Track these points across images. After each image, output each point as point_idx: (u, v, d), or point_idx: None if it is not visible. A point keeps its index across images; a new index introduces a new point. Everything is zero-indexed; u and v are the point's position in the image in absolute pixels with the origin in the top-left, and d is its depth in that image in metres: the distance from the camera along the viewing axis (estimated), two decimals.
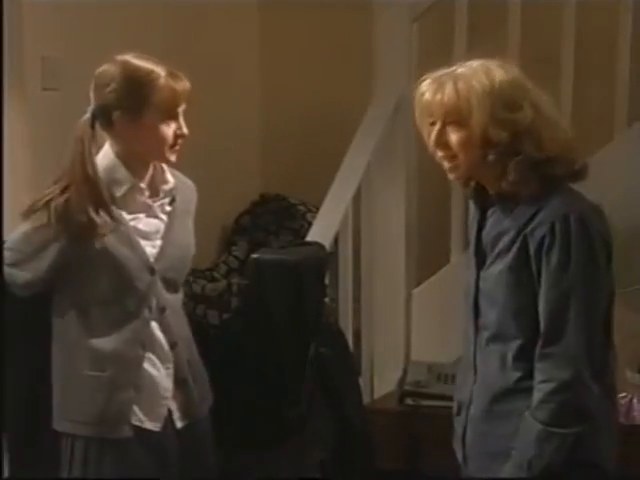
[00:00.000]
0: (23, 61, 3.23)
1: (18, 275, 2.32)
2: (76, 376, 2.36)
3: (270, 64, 4.49)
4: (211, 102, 4.11)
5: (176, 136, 2.37)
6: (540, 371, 2.05)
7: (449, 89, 2.08)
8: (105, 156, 2.38)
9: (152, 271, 2.38)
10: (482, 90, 2.06)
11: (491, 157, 2.08)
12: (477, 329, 2.18)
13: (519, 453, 2.05)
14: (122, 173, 2.36)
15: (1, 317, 2.30)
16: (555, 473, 2.04)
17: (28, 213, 2.32)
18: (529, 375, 2.08)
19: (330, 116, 4.25)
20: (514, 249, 2.08)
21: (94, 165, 2.32)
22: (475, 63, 2.11)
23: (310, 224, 3.73)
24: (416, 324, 3.77)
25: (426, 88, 2.13)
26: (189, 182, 2.57)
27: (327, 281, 2.89)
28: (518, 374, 2.09)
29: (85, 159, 2.31)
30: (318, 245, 2.95)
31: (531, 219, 2.07)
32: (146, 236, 2.40)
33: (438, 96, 2.09)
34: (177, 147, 2.38)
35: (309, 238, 3.25)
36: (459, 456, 2.25)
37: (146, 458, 2.37)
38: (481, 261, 2.17)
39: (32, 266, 2.32)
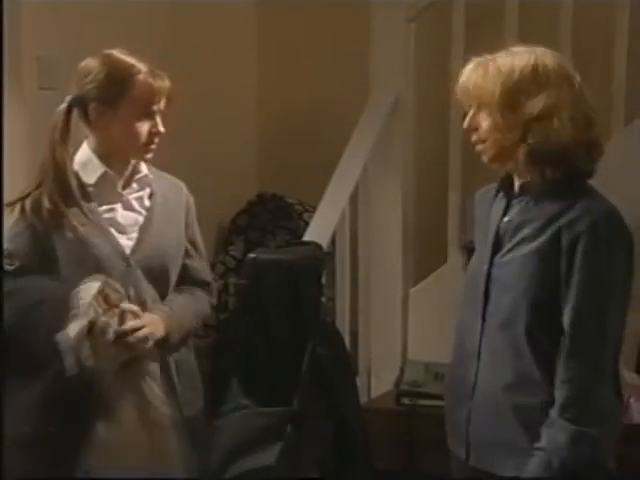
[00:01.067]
0: (20, 61, 3.23)
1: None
2: None
3: (267, 64, 4.49)
4: (208, 102, 4.11)
5: (151, 134, 2.37)
6: (565, 369, 2.04)
7: (478, 75, 2.13)
8: (82, 152, 2.40)
9: (128, 262, 2.38)
10: (502, 75, 2.10)
11: (507, 143, 2.11)
12: (484, 317, 2.16)
13: (546, 454, 2.04)
14: (94, 163, 2.37)
15: (0, 315, 2.30)
16: (584, 473, 2.04)
17: (7, 207, 2.34)
18: (542, 368, 2.08)
19: (327, 116, 4.26)
20: (543, 238, 2.08)
21: (63, 154, 2.33)
22: (517, 49, 2.15)
23: (307, 224, 3.73)
24: (413, 324, 3.78)
25: (465, 73, 2.17)
26: (178, 182, 2.57)
27: (324, 281, 2.89)
28: (531, 366, 2.08)
29: (55, 147, 2.33)
30: (315, 245, 2.95)
31: (565, 211, 2.07)
32: (122, 229, 2.40)
33: (471, 82, 2.14)
34: (153, 145, 2.39)
35: (306, 238, 3.25)
36: (459, 450, 2.23)
37: None
38: (497, 249, 2.17)
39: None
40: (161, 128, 2.38)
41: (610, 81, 3.65)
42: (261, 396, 2.60)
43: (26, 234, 2.33)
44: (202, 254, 2.63)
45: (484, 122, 2.15)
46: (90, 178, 2.38)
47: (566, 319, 2.05)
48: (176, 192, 2.55)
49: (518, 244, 2.13)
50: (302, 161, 4.31)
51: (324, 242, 3.17)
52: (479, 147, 2.18)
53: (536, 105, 2.08)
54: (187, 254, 2.55)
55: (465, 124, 2.19)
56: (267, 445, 2.53)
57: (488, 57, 2.15)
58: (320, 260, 2.89)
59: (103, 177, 2.39)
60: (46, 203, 2.31)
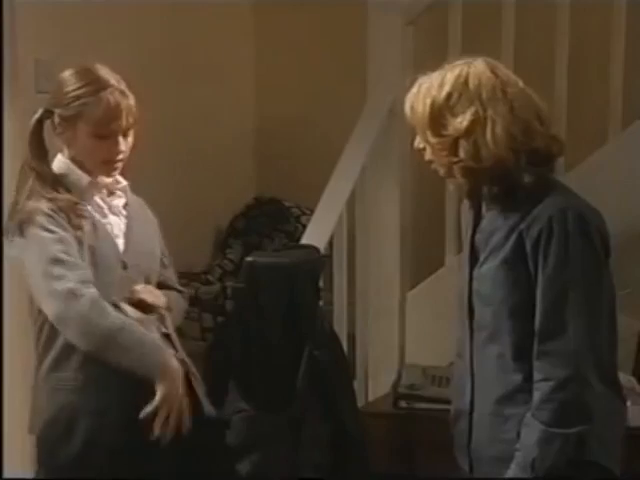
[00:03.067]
0: (17, 64, 3.23)
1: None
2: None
3: (265, 67, 4.50)
4: (205, 105, 4.12)
5: (112, 153, 2.35)
6: (538, 369, 2.04)
7: (412, 96, 2.15)
8: (58, 161, 2.41)
9: (124, 265, 2.40)
10: (430, 95, 2.10)
11: (447, 161, 2.11)
12: (472, 331, 2.16)
13: (522, 454, 2.04)
14: (76, 174, 2.38)
15: (0, 313, 2.31)
16: (559, 474, 2.03)
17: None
18: (530, 376, 2.06)
19: (325, 118, 4.26)
20: (508, 246, 2.08)
21: (41, 163, 2.35)
22: (457, 62, 2.15)
23: (304, 227, 3.74)
24: (410, 327, 3.77)
25: (408, 95, 2.18)
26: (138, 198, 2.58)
27: (321, 284, 2.89)
28: (519, 375, 2.08)
29: (31, 156, 2.36)
30: (313, 248, 2.95)
31: (525, 215, 2.07)
32: (114, 233, 2.42)
33: (408, 103, 2.16)
34: (116, 164, 2.38)
35: (304, 241, 3.25)
36: (464, 463, 2.22)
37: None
38: (474, 261, 2.17)
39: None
40: (122, 148, 2.35)
41: (607, 85, 3.65)
42: (259, 400, 2.60)
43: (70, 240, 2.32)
44: (172, 265, 2.65)
45: (422, 143, 2.16)
46: (77, 189, 2.38)
47: (536, 320, 2.05)
48: (142, 205, 2.57)
49: (489, 255, 2.13)
50: (299, 164, 4.31)
51: (322, 245, 3.17)
52: (432, 166, 2.19)
53: (464, 120, 2.06)
54: (162, 263, 2.58)
55: (414, 145, 2.19)
56: (265, 449, 2.54)
57: (426, 76, 2.15)
58: (318, 263, 2.89)
59: (90, 187, 2.40)
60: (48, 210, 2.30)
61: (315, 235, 3.28)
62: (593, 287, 2.06)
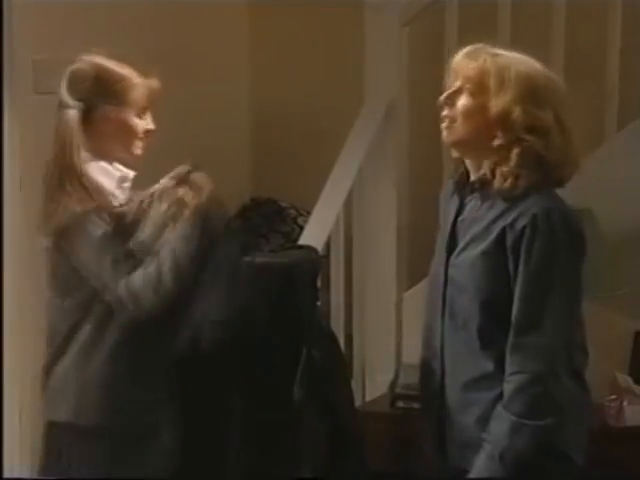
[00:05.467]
0: (14, 64, 3.23)
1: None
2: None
3: (261, 68, 4.50)
4: (200, 105, 4.12)
5: (146, 131, 2.49)
6: (512, 362, 2.07)
7: (484, 60, 2.12)
8: (85, 156, 2.44)
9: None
10: (518, 75, 2.11)
11: (499, 141, 2.11)
12: (443, 318, 2.19)
13: (491, 445, 2.07)
14: (117, 168, 2.46)
15: (0, 317, 2.33)
16: (526, 464, 2.05)
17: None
18: (498, 364, 2.09)
19: (321, 120, 4.26)
20: (490, 237, 2.10)
21: (81, 158, 2.39)
22: (518, 54, 2.16)
23: (301, 228, 3.74)
24: (407, 327, 3.78)
25: (462, 53, 2.17)
26: None
27: (319, 284, 2.89)
28: (485, 362, 2.11)
29: (72, 152, 2.39)
30: (310, 249, 2.95)
31: (508, 209, 2.10)
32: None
33: (471, 62, 2.14)
34: (144, 142, 2.50)
35: (301, 242, 3.26)
36: (434, 451, 2.25)
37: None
38: (452, 247, 2.20)
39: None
40: (150, 125, 2.51)
41: (603, 88, 3.66)
42: (256, 399, 2.60)
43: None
44: None
45: (463, 103, 2.15)
46: (110, 182, 2.44)
47: (513, 314, 2.07)
48: None
49: (468, 244, 2.16)
50: (296, 165, 4.31)
51: (319, 246, 3.18)
52: (445, 124, 2.18)
53: (547, 117, 2.10)
54: None
55: (442, 97, 2.18)
56: (262, 447, 2.54)
57: (489, 48, 2.16)
58: (315, 264, 2.89)
59: (121, 179, 2.47)
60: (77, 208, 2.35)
61: (313, 236, 3.29)
62: (572, 286, 2.10)
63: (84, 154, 2.40)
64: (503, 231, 2.09)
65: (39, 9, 3.25)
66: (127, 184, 2.49)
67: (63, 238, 2.37)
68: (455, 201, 2.25)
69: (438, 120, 3.68)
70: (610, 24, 3.66)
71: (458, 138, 2.17)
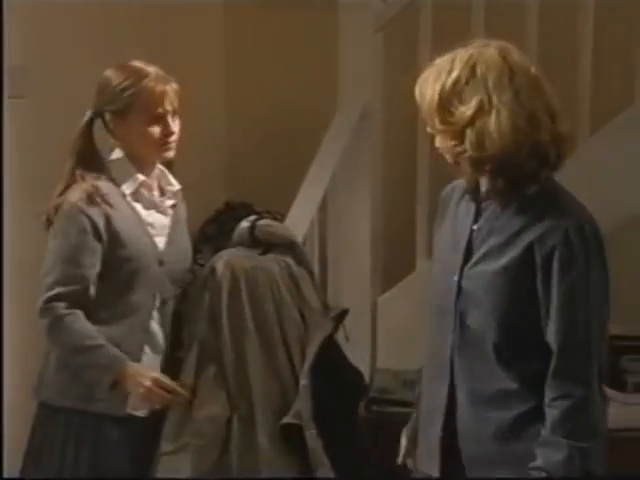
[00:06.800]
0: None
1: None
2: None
3: (235, 73, 4.49)
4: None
5: (164, 135, 2.48)
6: (557, 386, 2.02)
7: (422, 81, 2.09)
8: (117, 154, 2.51)
9: (161, 262, 2.50)
10: (439, 80, 2.04)
11: (454, 150, 2.06)
12: (455, 330, 2.11)
13: (547, 472, 2.01)
14: (130, 171, 2.49)
15: (0, 318, 2.35)
16: None
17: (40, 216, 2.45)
18: (518, 382, 2.06)
19: (296, 124, 4.26)
20: (512, 252, 2.03)
21: (92, 162, 2.46)
22: (468, 47, 2.06)
23: None
24: (382, 331, 3.79)
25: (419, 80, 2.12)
26: (184, 204, 2.69)
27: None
28: (506, 380, 2.06)
29: (79, 156, 2.45)
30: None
31: (533, 222, 2.02)
32: (156, 230, 2.52)
33: (418, 90, 2.10)
34: (169, 145, 2.50)
35: None
36: (433, 465, 2.18)
37: (125, 442, 2.46)
38: (467, 258, 2.11)
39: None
40: (173, 128, 2.49)
41: (574, 94, 3.68)
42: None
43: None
44: None
45: (431, 129, 2.10)
46: (128, 187, 2.49)
47: (552, 337, 2.01)
48: (185, 210, 2.69)
49: (485, 256, 2.07)
50: (271, 170, 4.31)
51: None
52: (440, 151, 2.13)
53: (469, 109, 2.00)
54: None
55: (428, 130, 2.13)
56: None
57: (438, 60, 2.08)
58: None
59: (142, 185, 2.50)
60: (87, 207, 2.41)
61: None
62: (604, 306, 2.05)
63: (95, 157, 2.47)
64: (530, 246, 2.01)
65: (13, 14, 3.23)
66: (149, 190, 2.54)
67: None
68: (469, 207, 2.14)
69: (412, 125, 3.73)
70: (582, 28, 3.69)
71: (452, 163, 2.11)
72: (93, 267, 2.41)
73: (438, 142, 2.11)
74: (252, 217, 2.70)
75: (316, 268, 3.45)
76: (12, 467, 2.63)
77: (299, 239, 3.10)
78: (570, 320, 2.00)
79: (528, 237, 2.02)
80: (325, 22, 3.86)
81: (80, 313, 2.40)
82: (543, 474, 2.02)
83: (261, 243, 2.66)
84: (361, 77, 3.69)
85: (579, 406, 2.01)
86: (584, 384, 2.02)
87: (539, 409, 2.05)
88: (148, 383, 2.38)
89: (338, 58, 3.74)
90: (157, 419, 2.46)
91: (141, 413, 2.47)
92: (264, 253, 2.65)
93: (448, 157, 2.11)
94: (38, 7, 3.31)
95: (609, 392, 3.30)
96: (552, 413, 2.02)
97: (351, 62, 3.70)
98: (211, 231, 4.37)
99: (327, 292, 3.60)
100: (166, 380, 2.42)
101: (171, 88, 2.49)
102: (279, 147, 4.35)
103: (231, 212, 4.39)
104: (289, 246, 2.70)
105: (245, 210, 4.35)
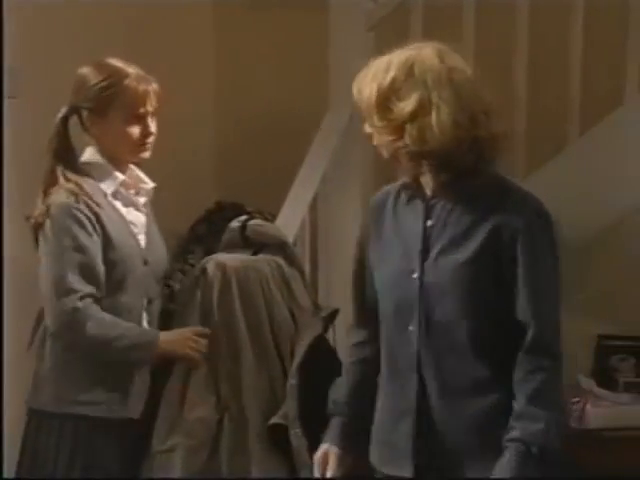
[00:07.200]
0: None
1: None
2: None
3: (225, 72, 4.49)
4: (164, 110, 4.10)
5: (143, 135, 2.49)
6: (530, 361, 2.07)
7: (360, 80, 2.19)
8: (89, 154, 2.49)
9: (145, 262, 2.49)
10: (376, 78, 2.12)
11: (392, 147, 2.12)
12: (421, 326, 2.13)
13: (525, 443, 2.05)
14: (107, 169, 2.48)
15: (0, 318, 2.34)
16: (558, 455, 2.09)
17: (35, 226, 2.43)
18: (494, 370, 2.09)
19: (286, 124, 4.26)
20: (476, 240, 2.08)
21: (66, 160, 2.43)
22: (406, 48, 2.15)
23: None
24: None
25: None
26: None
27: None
28: (481, 368, 2.10)
29: (54, 154, 2.43)
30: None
31: (490, 210, 2.09)
32: (137, 228, 2.52)
33: (355, 88, 2.21)
34: (147, 145, 2.52)
35: None
36: (404, 465, 2.17)
37: (119, 446, 2.46)
38: (425, 254, 2.14)
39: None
40: (152, 129, 2.50)
41: (565, 94, 3.69)
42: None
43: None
44: None
45: (370, 127, 2.16)
46: (109, 187, 2.48)
47: (523, 311, 2.07)
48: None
49: (445, 248, 2.12)
50: (261, 170, 4.31)
51: None
52: (379, 150, 2.19)
53: (408, 105, 2.07)
54: None
55: (365, 129, 2.19)
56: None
57: (376, 60, 2.17)
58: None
59: (121, 184, 2.50)
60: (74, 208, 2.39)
61: None
62: (559, 285, 2.14)
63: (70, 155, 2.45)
64: (495, 231, 2.07)
65: (8, 16, 3.23)
66: (127, 188, 2.53)
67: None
68: (415, 206, 2.19)
69: None
70: (572, 28, 3.69)
71: (391, 160, 2.19)
72: (100, 262, 2.40)
73: (376, 140, 2.17)
74: (243, 217, 2.71)
75: (307, 268, 3.46)
76: (12, 467, 2.61)
77: (290, 239, 3.11)
78: (539, 291, 2.08)
79: (488, 225, 2.09)
80: (316, 22, 3.85)
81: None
82: (522, 446, 2.05)
83: (252, 243, 2.66)
84: (352, 77, 3.67)
85: (552, 378, 2.08)
86: (554, 355, 2.09)
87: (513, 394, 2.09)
88: (190, 336, 2.44)
89: (329, 58, 3.74)
90: (150, 422, 2.46)
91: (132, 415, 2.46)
92: (255, 253, 2.65)
93: (385, 153, 2.17)
94: (28, 8, 3.31)
95: (600, 392, 3.36)
96: (527, 386, 2.07)
97: (342, 62, 3.69)
98: (201, 231, 4.36)
99: (318, 292, 3.61)
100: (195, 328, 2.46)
101: (152, 88, 2.48)
102: (270, 147, 4.35)
103: (222, 212, 4.39)
104: (280, 246, 2.70)
105: (236, 210, 4.35)
